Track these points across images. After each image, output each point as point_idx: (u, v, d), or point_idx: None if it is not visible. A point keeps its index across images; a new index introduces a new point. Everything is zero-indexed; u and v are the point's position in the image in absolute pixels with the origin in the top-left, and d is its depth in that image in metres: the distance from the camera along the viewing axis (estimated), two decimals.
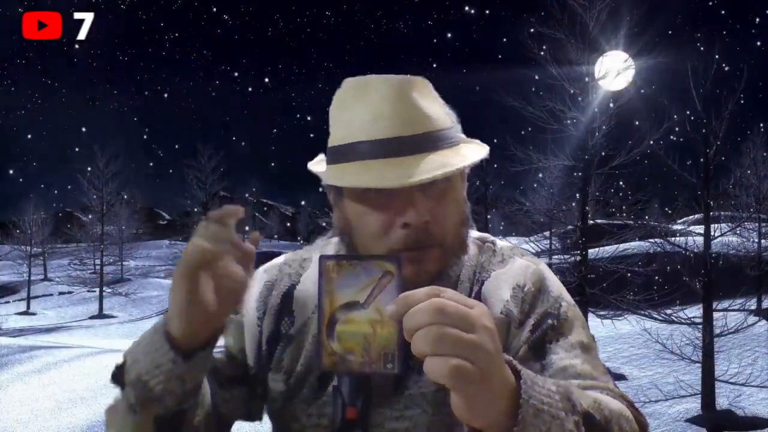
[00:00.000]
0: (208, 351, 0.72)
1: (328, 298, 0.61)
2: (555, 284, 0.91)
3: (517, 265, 0.92)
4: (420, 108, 0.82)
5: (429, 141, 0.82)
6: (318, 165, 0.93)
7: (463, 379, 0.52)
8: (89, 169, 30.93)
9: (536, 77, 12.29)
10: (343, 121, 0.86)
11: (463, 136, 0.93)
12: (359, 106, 0.83)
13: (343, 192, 0.86)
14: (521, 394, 0.57)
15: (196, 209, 36.57)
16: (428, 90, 0.87)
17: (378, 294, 0.61)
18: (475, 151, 0.88)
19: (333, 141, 0.88)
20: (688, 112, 11.66)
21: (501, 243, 0.98)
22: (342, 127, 0.86)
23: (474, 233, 0.97)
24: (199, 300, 0.65)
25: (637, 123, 12.52)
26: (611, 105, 12.01)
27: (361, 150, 0.82)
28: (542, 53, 11.90)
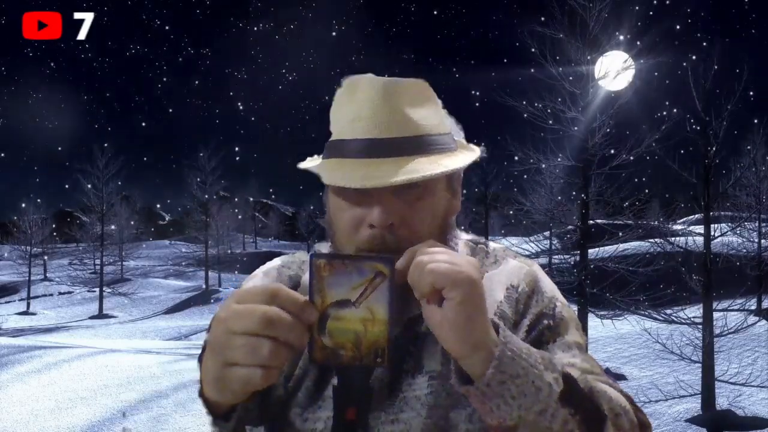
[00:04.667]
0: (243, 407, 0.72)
1: (320, 296, 0.62)
2: (548, 285, 0.91)
3: (510, 266, 0.92)
4: (402, 112, 0.81)
5: (406, 145, 0.80)
6: (309, 162, 0.93)
7: (445, 277, 0.63)
8: (89, 168, 30.98)
9: (536, 77, 12.29)
10: (335, 119, 0.87)
11: (460, 142, 0.90)
12: (347, 105, 0.84)
13: (329, 186, 0.87)
14: (499, 338, 0.64)
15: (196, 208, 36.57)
16: (422, 94, 0.85)
17: (370, 294, 0.62)
18: (455, 161, 0.84)
19: (330, 137, 0.89)
20: (686, 112, 11.68)
21: (493, 244, 0.98)
22: (333, 124, 0.87)
23: (465, 236, 0.96)
24: (240, 376, 0.61)
25: (637, 123, 12.54)
26: (611, 105, 12.02)
27: (342, 148, 0.83)
28: (542, 53, 11.91)
